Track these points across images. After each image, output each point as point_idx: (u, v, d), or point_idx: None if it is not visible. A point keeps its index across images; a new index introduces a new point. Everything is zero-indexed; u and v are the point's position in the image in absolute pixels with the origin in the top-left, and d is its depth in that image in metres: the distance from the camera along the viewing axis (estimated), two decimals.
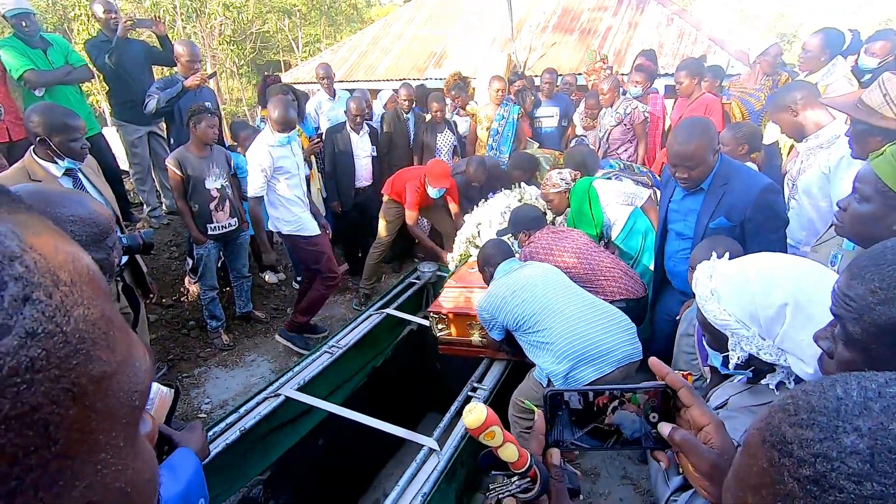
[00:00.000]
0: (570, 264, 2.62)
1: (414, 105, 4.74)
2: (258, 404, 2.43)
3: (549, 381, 2.17)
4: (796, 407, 0.38)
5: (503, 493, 0.60)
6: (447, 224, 4.28)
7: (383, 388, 3.09)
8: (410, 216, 4.11)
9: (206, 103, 3.79)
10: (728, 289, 0.98)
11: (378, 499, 2.88)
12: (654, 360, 0.64)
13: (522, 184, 3.66)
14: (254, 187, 3.30)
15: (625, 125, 4.22)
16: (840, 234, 1.46)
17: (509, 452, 0.59)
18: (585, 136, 4.63)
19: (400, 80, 7.44)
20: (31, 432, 0.23)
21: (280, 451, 2.49)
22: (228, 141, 4.60)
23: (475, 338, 2.73)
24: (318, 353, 2.84)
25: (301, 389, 2.56)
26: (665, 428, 0.60)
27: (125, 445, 0.27)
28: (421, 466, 2.03)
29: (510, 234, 3.01)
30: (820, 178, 2.25)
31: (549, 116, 4.83)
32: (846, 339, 0.70)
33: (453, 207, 4.27)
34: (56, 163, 2.28)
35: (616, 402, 0.62)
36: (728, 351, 1.01)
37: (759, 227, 2.07)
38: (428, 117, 4.70)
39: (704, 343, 1.10)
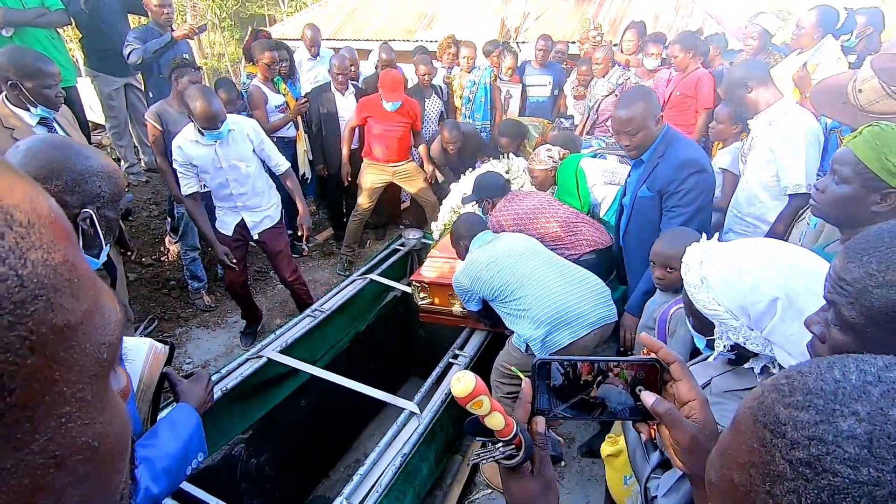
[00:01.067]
0: (541, 226, 2.66)
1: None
2: (240, 365, 2.44)
3: (528, 346, 2.23)
4: (791, 388, 0.38)
5: (487, 459, 0.62)
6: (428, 193, 4.21)
7: (366, 352, 3.12)
8: (351, 122, 4.00)
9: (185, 55, 3.65)
10: (719, 279, 0.96)
11: (358, 459, 2.95)
12: (645, 336, 0.65)
13: (511, 154, 3.62)
14: (182, 185, 2.87)
15: (616, 96, 4.16)
16: (816, 214, 1.46)
17: (496, 421, 0.59)
18: (571, 116, 4.56)
19: (390, 41, 7.22)
20: None
21: (262, 412, 2.51)
22: None
23: (456, 307, 2.76)
24: (301, 317, 2.84)
25: (283, 352, 2.57)
26: (649, 398, 0.61)
27: (93, 399, 0.26)
28: (401, 429, 2.07)
29: (474, 202, 3.00)
30: (767, 154, 2.31)
31: (541, 85, 4.71)
32: (840, 324, 0.70)
33: (428, 169, 4.19)
34: (28, 110, 2.17)
35: (602, 376, 0.63)
36: (712, 335, 1.02)
37: (669, 199, 2.14)
38: (413, 81, 4.58)
39: (689, 324, 1.10)
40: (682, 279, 1.06)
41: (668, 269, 1.82)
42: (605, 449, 1.64)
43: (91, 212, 0.96)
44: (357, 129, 4.25)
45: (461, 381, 0.58)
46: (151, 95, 4.04)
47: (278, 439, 2.60)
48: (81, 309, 0.25)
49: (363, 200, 4.16)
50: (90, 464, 0.26)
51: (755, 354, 0.99)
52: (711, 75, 3.99)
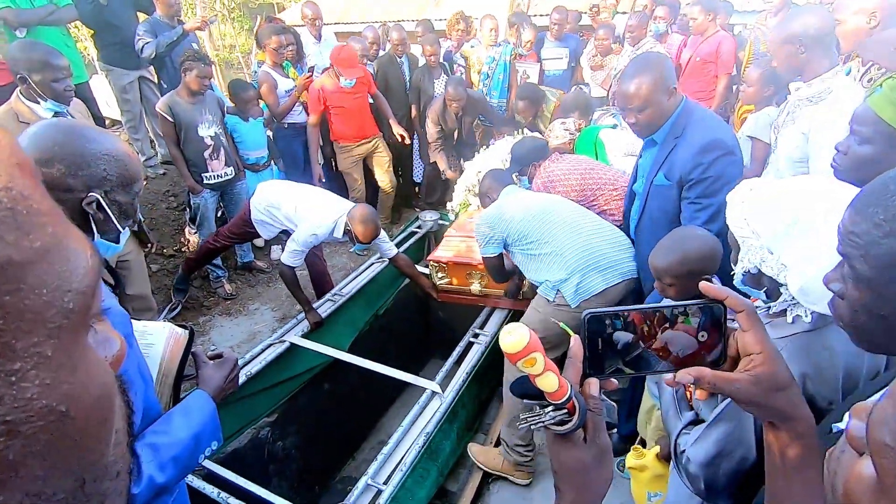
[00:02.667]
0: (574, 185, 2.55)
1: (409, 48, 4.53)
2: (263, 350, 2.47)
3: (558, 293, 2.11)
4: None
5: (537, 425, 0.55)
6: (388, 176, 4.26)
7: (386, 335, 3.13)
8: (311, 120, 3.92)
9: (193, 45, 3.64)
10: (753, 203, 1.01)
11: (382, 440, 2.98)
12: (706, 284, 0.57)
13: (525, 129, 3.54)
14: (295, 259, 2.84)
15: None
16: (838, 177, 1.40)
17: (549, 382, 0.52)
18: (587, 85, 4.42)
19: (399, 21, 7.10)
20: None
21: (286, 396, 2.55)
22: (223, 92, 4.40)
23: (475, 287, 2.73)
24: (321, 302, 2.86)
25: (306, 336, 2.59)
26: (683, 376, 0.55)
27: (56, 355, 0.22)
28: (424, 408, 2.07)
29: (515, 173, 2.91)
30: (798, 139, 1.96)
31: (557, 58, 4.56)
32: (855, 278, 0.67)
33: (398, 131, 4.15)
34: (39, 104, 2.19)
35: (660, 328, 0.56)
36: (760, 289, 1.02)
37: (691, 188, 1.80)
38: (422, 61, 4.50)
39: (731, 260, 1.10)
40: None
41: (668, 283, 1.48)
42: (630, 461, 1.61)
43: (97, 196, 0.93)
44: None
45: (512, 335, 0.50)
46: (165, 87, 4.06)
47: (303, 422, 2.64)
48: (32, 246, 0.22)
49: (352, 182, 4.18)
50: (58, 432, 0.22)
51: (778, 294, 0.98)
52: (733, 37, 3.82)
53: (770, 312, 1.02)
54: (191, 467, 0.99)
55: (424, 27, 4.75)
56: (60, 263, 0.23)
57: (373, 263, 3.19)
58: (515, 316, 2.68)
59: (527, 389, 0.54)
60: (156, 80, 4.30)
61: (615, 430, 2.38)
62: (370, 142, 4.16)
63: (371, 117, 4.15)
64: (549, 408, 0.54)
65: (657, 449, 1.58)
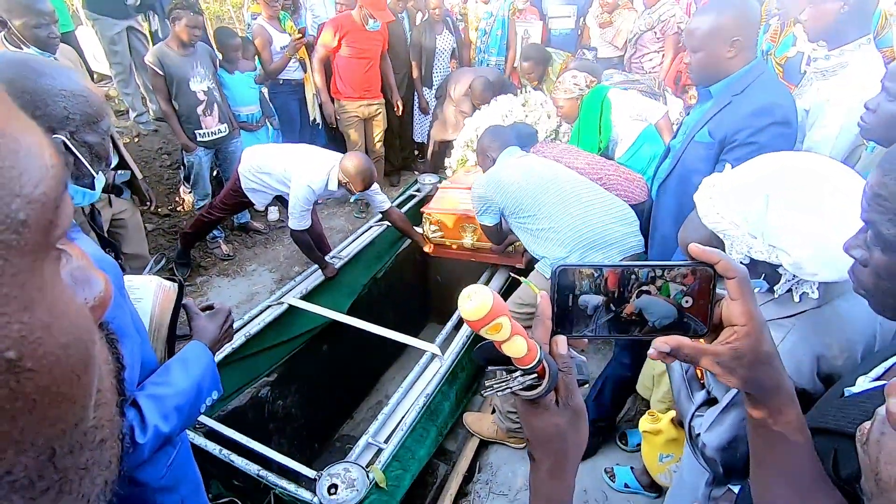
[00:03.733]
0: (578, 167, 2.47)
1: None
2: (262, 311, 2.46)
3: None
4: None
5: (504, 391, 0.50)
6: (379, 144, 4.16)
7: (384, 298, 3.12)
8: (321, 53, 3.74)
9: None
10: (721, 192, 0.99)
11: (380, 401, 3.02)
12: (695, 246, 0.51)
13: (528, 87, 3.43)
14: (302, 221, 2.82)
15: (655, 33, 3.84)
16: (866, 136, 1.40)
17: (517, 347, 0.47)
18: (595, 49, 4.24)
19: None
20: None
21: (285, 356, 2.56)
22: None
23: (467, 240, 2.70)
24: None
25: (304, 298, 2.58)
26: (660, 345, 0.51)
27: (2, 281, 0.17)
28: (424, 370, 2.08)
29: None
30: (800, 114, 1.85)
31: (564, 17, 4.35)
32: (882, 245, 0.64)
33: (397, 100, 4.07)
34: (22, 50, 2.09)
35: (642, 287, 0.51)
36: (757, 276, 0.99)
37: (732, 151, 1.67)
38: (419, 16, 4.32)
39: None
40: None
41: None
42: (644, 424, 1.61)
43: (62, 137, 0.84)
44: None
45: (473, 299, 0.43)
46: (161, 36, 3.88)
47: (302, 382, 2.66)
48: None
49: (351, 143, 4.08)
50: (7, 389, 0.17)
51: (778, 278, 0.96)
52: None
53: (771, 292, 1.00)
54: (193, 417, 0.98)
55: None
56: (9, 160, 0.17)
57: (371, 227, 3.15)
58: (515, 283, 2.67)
59: (492, 355, 0.49)
60: (144, 31, 4.12)
61: (587, 385, 2.41)
62: (372, 105, 4.03)
63: (379, 77, 4.00)
64: (517, 372, 0.50)
65: (672, 413, 1.59)
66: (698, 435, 0.99)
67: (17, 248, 0.17)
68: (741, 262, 0.95)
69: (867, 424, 0.42)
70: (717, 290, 0.52)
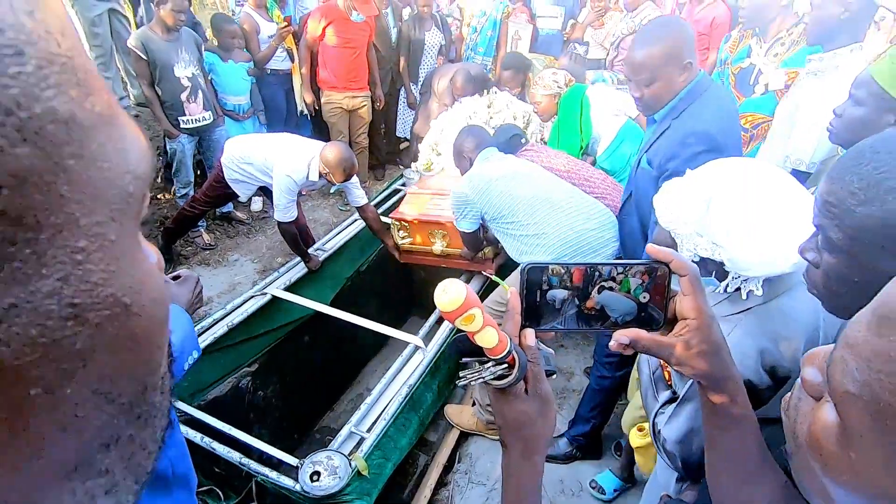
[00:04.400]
0: (560, 169, 2.46)
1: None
2: (245, 302, 2.45)
3: None
4: None
5: (476, 381, 0.54)
6: (364, 138, 4.15)
7: (368, 290, 3.13)
8: (308, 42, 3.70)
9: None
10: (672, 194, 1.08)
11: (361, 393, 3.03)
12: (652, 246, 0.57)
13: (494, 88, 3.43)
14: (288, 212, 2.77)
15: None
16: (833, 141, 1.46)
17: (489, 337, 0.50)
18: (587, 43, 4.29)
19: None
20: None
21: (267, 347, 2.55)
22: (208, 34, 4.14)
23: (437, 246, 2.64)
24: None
25: (288, 289, 2.57)
26: (620, 337, 0.56)
27: (119, 242, 0.20)
28: (407, 361, 2.11)
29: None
30: (791, 110, 1.95)
31: (552, 17, 4.42)
32: (829, 247, 0.69)
33: (378, 94, 4.04)
34: None
35: (601, 285, 0.56)
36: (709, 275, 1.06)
37: (665, 181, 1.62)
38: (407, 11, 4.32)
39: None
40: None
41: None
42: (635, 440, 1.62)
43: None
44: None
45: (448, 292, 0.47)
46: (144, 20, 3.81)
47: (283, 373, 2.66)
48: (94, 109, 0.19)
49: (335, 134, 4.03)
50: (121, 327, 0.20)
51: (725, 275, 1.03)
52: (729, 9, 3.77)
53: (726, 292, 1.06)
54: (178, 373, 1.01)
55: None
56: (118, 140, 0.20)
57: (356, 220, 3.15)
58: (493, 285, 2.70)
59: (466, 346, 0.53)
60: (126, 14, 4.03)
61: (554, 376, 2.44)
62: (357, 97, 4.00)
63: (366, 68, 3.98)
64: (489, 363, 0.53)
65: None
66: (660, 431, 1.04)
67: (127, 215, 0.21)
68: (692, 260, 1.02)
69: (789, 394, 0.47)
70: (672, 287, 0.57)
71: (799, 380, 0.44)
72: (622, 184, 2.45)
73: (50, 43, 0.18)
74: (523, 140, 2.69)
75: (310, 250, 2.85)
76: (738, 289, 1.02)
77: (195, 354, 1.04)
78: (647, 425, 1.68)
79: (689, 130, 1.54)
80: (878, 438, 0.33)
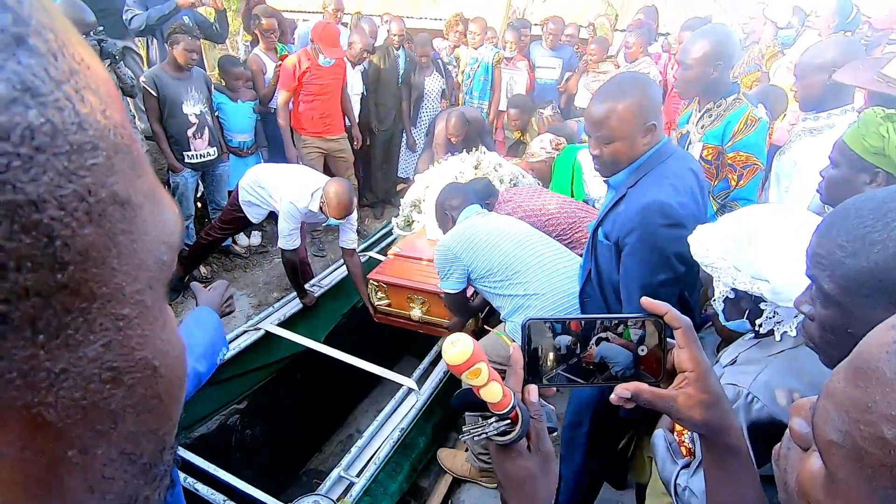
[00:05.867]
0: (552, 212, 2.38)
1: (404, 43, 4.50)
2: (238, 336, 2.43)
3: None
4: None
5: (480, 436, 0.53)
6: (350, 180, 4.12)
7: (362, 329, 3.11)
8: (282, 98, 3.60)
9: (185, 17, 3.56)
10: (710, 231, 1.13)
11: (351, 434, 2.96)
12: (646, 299, 0.58)
13: (483, 147, 3.45)
14: (292, 241, 2.77)
15: None
16: (823, 201, 1.54)
17: (493, 392, 0.50)
18: (551, 101, 4.16)
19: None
20: (28, 237, 0.16)
21: (257, 384, 2.51)
22: (211, 73, 4.27)
23: (415, 312, 2.53)
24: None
25: (282, 325, 2.56)
26: (621, 391, 0.56)
27: (153, 306, 0.22)
28: (400, 403, 2.08)
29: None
30: (789, 166, 2.02)
31: (550, 68, 4.63)
32: (823, 299, 0.72)
33: (357, 135, 4.03)
34: None
35: (602, 334, 0.57)
36: (741, 318, 1.08)
37: (626, 258, 1.45)
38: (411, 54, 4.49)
39: (710, 295, 1.16)
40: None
41: None
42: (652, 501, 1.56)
43: None
44: (361, 105, 4.14)
45: (456, 346, 0.48)
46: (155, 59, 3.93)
47: (273, 412, 2.60)
48: (142, 189, 0.21)
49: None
50: (150, 388, 0.21)
51: (760, 314, 1.05)
52: None
53: (757, 336, 1.07)
54: (213, 367, 1.07)
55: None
56: (159, 213, 0.22)
57: None
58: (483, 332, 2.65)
59: (469, 400, 0.53)
60: (140, 52, 4.17)
61: (556, 433, 2.33)
62: (334, 140, 3.94)
63: (341, 113, 3.94)
64: (493, 418, 0.53)
65: None
66: (686, 488, 1.02)
67: (160, 281, 0.22)
68: (726, 296, 1.09)
69: (779, 445, 0.48)
70: (668, 340, 0.59)
71: (787, 430, 0.45)
72: None
73: (116, 136, 0.20)
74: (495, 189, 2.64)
75: (306, 286, 2.85)
76: (771, 332, 1.04)
77: (224, 351, 1.12)
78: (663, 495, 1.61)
79: (650, 200, 1.39)
80: (862, 486, 0.34)
